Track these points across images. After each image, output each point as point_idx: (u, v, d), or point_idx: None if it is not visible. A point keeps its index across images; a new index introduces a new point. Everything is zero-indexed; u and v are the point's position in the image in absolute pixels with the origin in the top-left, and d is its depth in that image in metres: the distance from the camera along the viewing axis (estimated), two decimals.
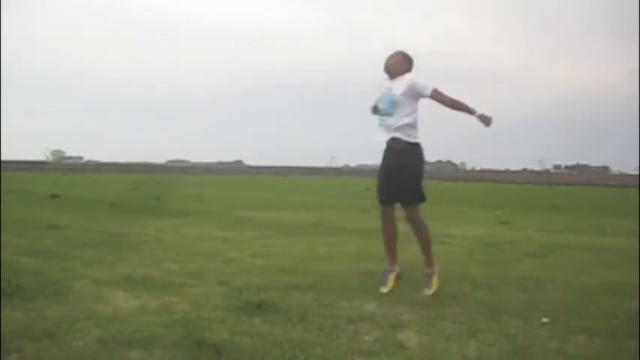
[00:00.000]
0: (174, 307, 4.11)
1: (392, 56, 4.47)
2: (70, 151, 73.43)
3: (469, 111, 4.26)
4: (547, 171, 58.22)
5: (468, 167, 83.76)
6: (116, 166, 60.66)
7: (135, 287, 4.68)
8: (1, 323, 3.45)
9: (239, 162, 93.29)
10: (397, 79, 4.37)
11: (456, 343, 3.44)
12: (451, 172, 69.36)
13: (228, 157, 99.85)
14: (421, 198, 4.29)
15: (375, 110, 4.41)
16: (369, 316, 3.99)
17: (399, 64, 4.43)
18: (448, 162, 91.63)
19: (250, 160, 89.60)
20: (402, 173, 4.27)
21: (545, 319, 3.94)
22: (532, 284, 5.19)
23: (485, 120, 4.27)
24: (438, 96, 4.24)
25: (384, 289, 4.34)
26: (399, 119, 4.24)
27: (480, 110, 4.27)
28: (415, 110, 4.34)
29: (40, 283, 4.68)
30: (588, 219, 13.28)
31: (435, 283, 4.11)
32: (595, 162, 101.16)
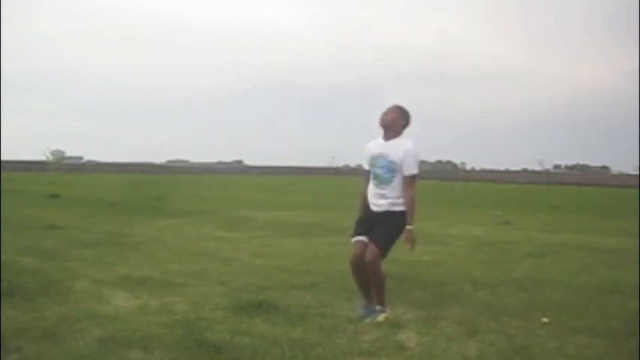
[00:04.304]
0: (174, 307, 4.11)
1: (389, 112, 4.25)
2: (70, 151, 73.24)
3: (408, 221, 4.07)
4: (547, 171, 58.06)
5: (468, 167, 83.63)
6: (116, 166, 60.62)
7: (135, 287, 4.68)
8: (1, 323, 3.45)
9: (239, 162, 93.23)
10: (393, 141, 4.19)
11: (456, 343, 3.44)
12: (451, 172, 69.25)
13: (228, 157, 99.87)
14: (385, 253, 4.10)
15: (373, 176, 4.22)
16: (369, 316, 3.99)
17: (396, 122, 4.19)
18: (448, 162, 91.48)
19: (250, 160, 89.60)
20: (382, 227, 4.10)
21: (545, 319, 3.95)
22: (532, 284, 5.19)
23: (408, 238, 4.03)
24: (408, 183, 4.07)
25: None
26: (395, 190, 4.06)
27: (411, 226, 4.02)
28: None
29: (40, 283, 4.68)
30: (588, 219, 13.30)
31: (384, 318, 3.95)
32: (595, 162, 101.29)
